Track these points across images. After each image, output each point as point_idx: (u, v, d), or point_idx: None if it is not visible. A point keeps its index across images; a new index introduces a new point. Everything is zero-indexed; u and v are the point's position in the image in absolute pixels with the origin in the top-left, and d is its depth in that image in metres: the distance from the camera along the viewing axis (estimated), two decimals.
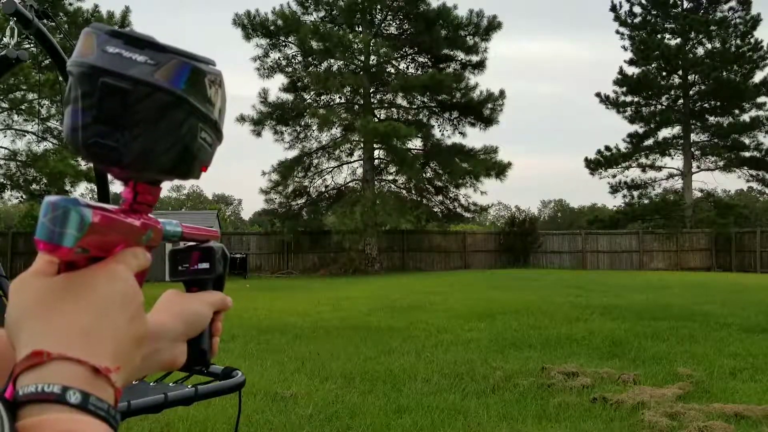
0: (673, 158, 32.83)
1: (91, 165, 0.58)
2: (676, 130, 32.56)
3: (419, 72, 27.16)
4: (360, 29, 26.13)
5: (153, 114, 0.47)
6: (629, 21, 32.86)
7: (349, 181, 27.95)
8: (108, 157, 0.48)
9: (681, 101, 32.15)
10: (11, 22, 1.74)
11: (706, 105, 31.94)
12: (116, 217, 0.48)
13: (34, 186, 23.96)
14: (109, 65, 0.46)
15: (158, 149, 0.48)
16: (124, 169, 0.49)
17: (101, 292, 0.45)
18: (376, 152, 26.66)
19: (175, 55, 0.48)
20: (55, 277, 0.45)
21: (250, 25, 25.82)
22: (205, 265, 0.65)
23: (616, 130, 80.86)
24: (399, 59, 27.24)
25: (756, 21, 30.97)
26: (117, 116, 0.46)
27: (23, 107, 23.18)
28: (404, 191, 27.77)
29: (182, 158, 0.50)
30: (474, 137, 75.65)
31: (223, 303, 0.65)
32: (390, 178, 27.98)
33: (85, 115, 0.47)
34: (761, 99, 30.99)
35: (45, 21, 1.78)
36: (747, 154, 31.57)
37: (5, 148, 24.50)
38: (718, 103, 31.30)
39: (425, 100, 27.10)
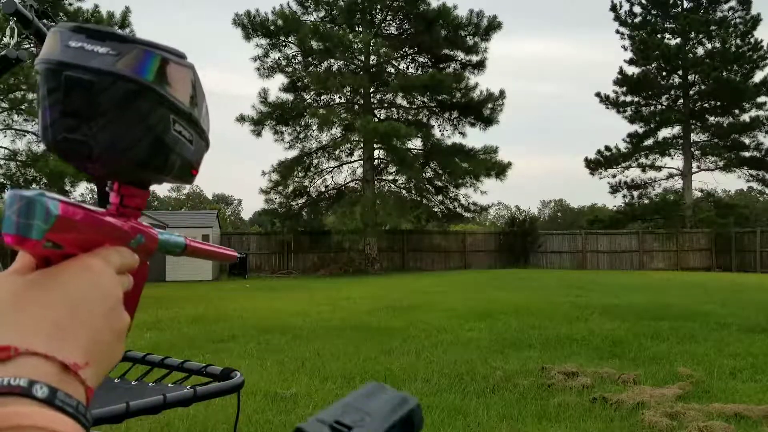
0: (673, 158, 32.87)
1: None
2: (676, 130, 32.57)
3: (419, 72, 27.17)
4: (360, 29, 26.13)
5: (117, 103, 0.46)
6: (629, 21, 32.87)
7: (349, 181, 27.97)
8: (78, 152, 0.47)
9: (681, 101, 32.15)
10: (11, 22, 1.73)
11: (706, 105, 31.94)
12: (96, 216, 0.46)
13: (34, 186, 23.97)
14: (72, 59, 0.46)
15: (127, 140, 0.48)
16: (96, 164, 0.48)
17: (74, 286, 0.43)
18: (376, 152, 26.67)
19: (138, 45, 0.48)
20: (29, 274, 0.44)
21: (250, 25, 25.82)
22: None
23: (616, 130, 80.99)
24: (399, 59, 27.26)
25: (756, 21, 30.97)
26: (82, 109, 0.46)
27: (23, 107, 23.18)
28: (404, 191, 27.78)
29: (156, 150, 0.49)
30: (474, 137, 75.76)
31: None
32: (390, 178, 28.00)
33: (52, 111, 0.46)
34: (761, 99, 31.00)
35: (45, 21, 1.78)
36: (747, 154, 31.59)
37: (5, 148, 24.51)
38: (718, 103, 31.30)
39: (425, 100, 27.10)
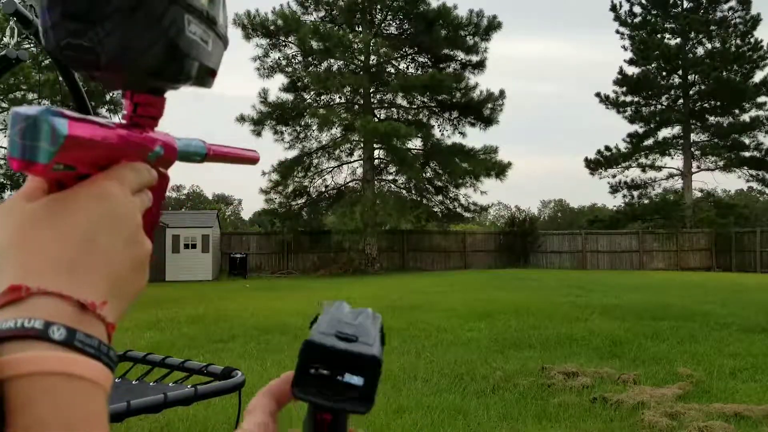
0: (673, 158, 32.88)
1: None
2: (676, 130, 32.58)
3: (419, 72, 27.17)
4: (360, 29, 26.14)
5: (126, 4, 0.41)
6: (629, 21, 32.87)
7: (349, 181, 27.98)
8: (84, 60, 0.42)
9: (681, 101, 32.16)
10: (11, 22, 1.74)
11: (706, 105, 31.95)
12: (109, 130, 0.41)
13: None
14: None
15: (139, 45, 0.42)
16: (104, 73, 0.43)
17: (89, 214, 0.39)
18: (376, 152, 26.68)
19: None
20: (39, 200, 0.40)
21: (250, 25, 25.82)
22: (358, 381, 0.43)
23: (616, 130, 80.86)
24: (399, 59, 27.26)
25: (756, 21, 30.98)
26: (86, 10, 0.40)
27: None
28: (404, 191, 27.79)
29: (171, 55, 0.44)
30: (474, 137, 75.65)
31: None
32: (390, 178, 28.01)
33: (51, 12, 0.41)
34: (761, 99, 31.01)
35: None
36: (747, 154, 31.59)
37: (5, 148, 24.48)
38: (718, 103, 31.31)
39: (425, 100, 27.11)
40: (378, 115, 26.97)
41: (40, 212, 0.39)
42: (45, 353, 0.33)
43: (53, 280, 0.36)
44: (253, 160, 0.62)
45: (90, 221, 0.39)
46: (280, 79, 46.16)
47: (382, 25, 26.85)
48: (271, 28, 25.76)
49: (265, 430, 0.43)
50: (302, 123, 26.71)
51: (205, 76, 0.49)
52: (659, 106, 32.76)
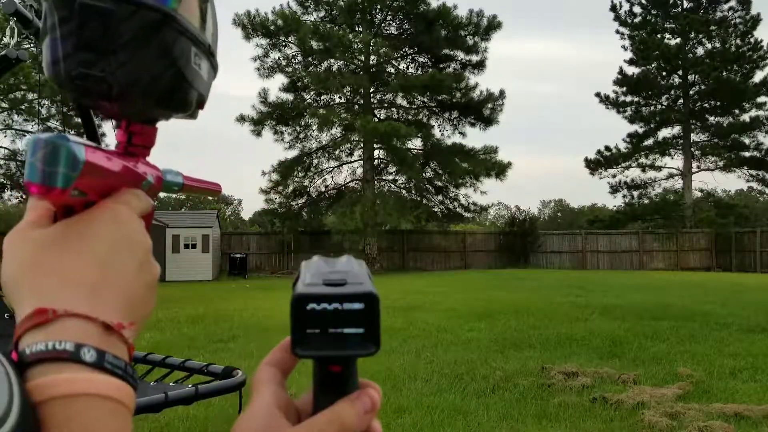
0: (673, 158, 32.89)
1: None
2: (676, 130, 32.58)
3: (419, 72, 27.17)
4: (360, 29, 26.14)
5: (140, 35, 0.41)
6: (629, 21, 32.87)
7: (349, 181, 27.98)
8: (95, 89, 0.42)
9: (681, 101, 32.16)
10: (11, 22, 1.74)
11: (706, 105, 31.95)
12: (116, 158, 0.43)
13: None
14: None
15: (150, 76, 0.43)
16: (114, 102, 0.43)
17: (105, 239, 0.39)
18: (376, 152, 26.68)
19: None
20: (52, 226, 0.40)
21: (250, 25, 25.82)
22: (359, 330, 0.40)
23: (616, 130, 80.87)
24: (399, 59, 27.26)
25: (756, 21, 30.98)
26: (100, 41, 0.41)
27: (23, 107, 23.19)
28: (404, 191, 27.79)
29: (178, 86, 0.45)
30: (474, 137, 75.64)
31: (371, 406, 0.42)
32: (390, 178, 28.01)
33: (64, 44, 0.41)
34: (761, 99, 31.02)
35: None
36: (747, 154, 31.60)
37: (5, 148, 24.53)
38: (718, 103, 31.31)
39: (425, 100, 27.11)
40: (378, 115, 26.97)
41: (59, 236, 0.39)
42: (78, 375, 0.34)
43: (78, 302, 0.36)
44: (216, 192, 0.64)
45: (107, 245, 0.39)
46: (280, 79, 46.24)
47: (382, 25, 26.85)
48: (271, 28, 25.76)
49: (277, 399, 0.42)
50: (302, 123, 26.72)
51: (197, 107, 0.49)
52: (659, 106, 32.76)
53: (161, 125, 0.49)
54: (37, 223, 0.41)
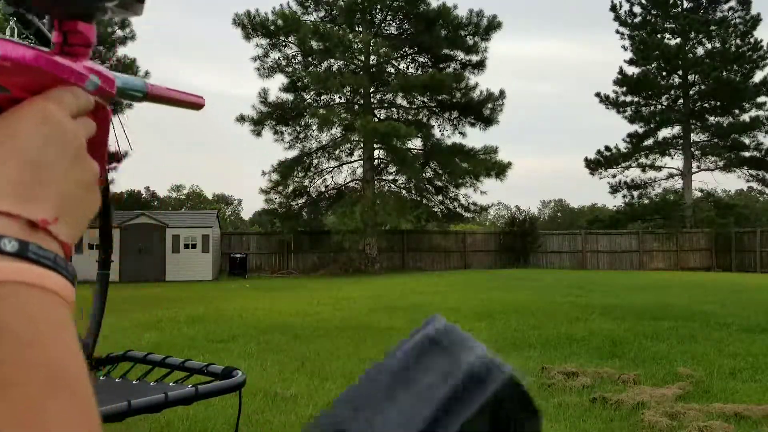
0: (673, 158, 32.88)
1: None
2: (676, 130, 32.58)
3: (419, 72, 27.18)
4: (360, 29, 26.14)
5: None
6: (629, 21, 32.87)
7: (349, 181, 27.98)
8: None
9: (681, 101, 32.16)
10: (11, 22, 1.74)
11: (706, 105, 31.96)
12: (44, 56, 0.41)
13: None
14: None
15: None
16: None
17: (29, 136, 0.38)
18: (376, 152, 26.69)
19: None
20: None
21: (250, 25, 25.83)
22: None
23: (616, 130, 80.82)
24: (399, 59, 27.27)
25: (756, 21, 30.99)
26: None
27: None
28: (404, 191, 27.79)
29: None
30: (474, 137, 75.57)
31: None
32: (390, 178, 28.02)
33: None
34: (761, 99, 31.02)
35: (45, 21, 1.79)
36: (747, 154, 31.60)
37: None
38: (718, 103, 31.31)
39: (425, 100, 27.12)
40: (378, 115, 26.98)
41: None
42: None
43: (0, 200, 0.34)
44: (196, 106, 0.59)
45: (32, 141, 0.37)
46: (280, 79, 46.16)
47: (382, 25, 26.86)
48: (271, 28, 25.77)
49: None
50: (302, 123, 26.73)
51: (134, 2, 0.47)
52: (659, 106, 32.77)
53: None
54: None
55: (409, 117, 27.48)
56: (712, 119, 32.21)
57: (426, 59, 27.74)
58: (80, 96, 0.42)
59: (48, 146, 0.38)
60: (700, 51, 31.46)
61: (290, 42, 26.09)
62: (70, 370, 0.32)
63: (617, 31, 33.17)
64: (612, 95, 33.22)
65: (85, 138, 0.42)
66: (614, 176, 33.15)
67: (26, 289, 0.32)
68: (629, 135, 33.09)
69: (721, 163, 31.83)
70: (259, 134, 26.63)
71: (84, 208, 0.40)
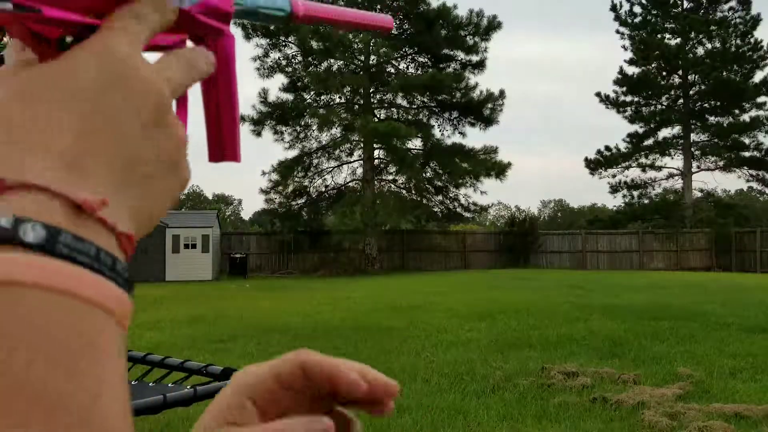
0: (673, 158, 32.88)
1: None
2: (676, 130, 32.58)
3: (419, 72, 27.18)
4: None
5: None
6: (629, 21, 32.87)
7: (349, 181, 27.98)
8: None
9: (681, 101, 32.16)
10: None
11: (706, 105, 31.96)
12: None
13: None
14: None
15: None
16: None
17: (84, 85, 0.26)
18: (376, 152, 26.68)
19: None
20: (30, 69, 0.28)
21: (250, 25, 25.82)
22: None
23: (616, 130, 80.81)
24: (399, 59, 27.26)
25: (756, 21, 30.98)
26: None
27: None
28: (404, 191, 27.78)
29: None
30: (474, 137, 75.74)
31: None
32: (390, 178, 28.01)
33: None
34: (761, 99, 31.02)
35: None
36: (747, 154, 31.60)
37: None
38: (718, 103, 31.31)
39: (425, 100, 27.12)
40: (378, 115, 26.97)
41: (29, 84, 0.27)
42: (5, 255, 0.22)
43: (38, 171, 0.24)
44: (384, 29, 0.42)
45: (88, 92, 0.26)
46: (280, 79, 46.17)
47: None
48: (271, 28, 25.76)
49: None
50: (302, 123, 26.73)
51: None
52: (659, 106, 32.77)
53: None
54: (26, 64, 0.29)
55: (409, 117, 27.48)
56: (712, 119, 32.22)
57: (426, 59, 27.74)
58: (159, 7, 0.29)
59: (111, 100, 0.27)
60: (700, 51, 31.47)
61: (290, 42, 26.10)
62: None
63: (617, 31, 33.19)
64: (612, 95, 33.25)
65: (182, 86, 0.30)
66: (614, 176, 33.18)
67: (45, 296, 0.22)
68: (629, 135, 33.10)
69: (721, 163, 31.84)
70: (259, 134, 26.65)
71: (159, 188, 0.29)
